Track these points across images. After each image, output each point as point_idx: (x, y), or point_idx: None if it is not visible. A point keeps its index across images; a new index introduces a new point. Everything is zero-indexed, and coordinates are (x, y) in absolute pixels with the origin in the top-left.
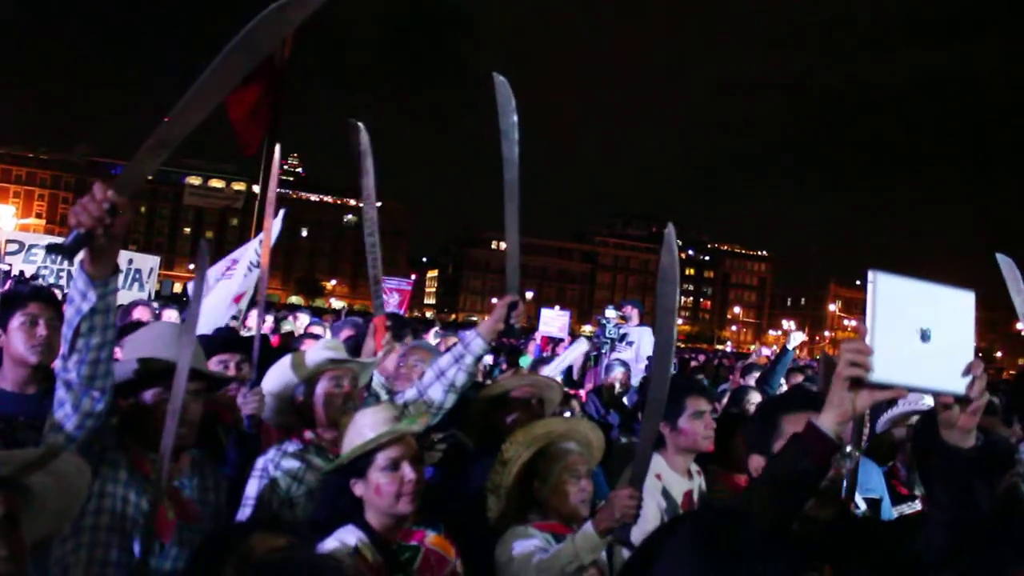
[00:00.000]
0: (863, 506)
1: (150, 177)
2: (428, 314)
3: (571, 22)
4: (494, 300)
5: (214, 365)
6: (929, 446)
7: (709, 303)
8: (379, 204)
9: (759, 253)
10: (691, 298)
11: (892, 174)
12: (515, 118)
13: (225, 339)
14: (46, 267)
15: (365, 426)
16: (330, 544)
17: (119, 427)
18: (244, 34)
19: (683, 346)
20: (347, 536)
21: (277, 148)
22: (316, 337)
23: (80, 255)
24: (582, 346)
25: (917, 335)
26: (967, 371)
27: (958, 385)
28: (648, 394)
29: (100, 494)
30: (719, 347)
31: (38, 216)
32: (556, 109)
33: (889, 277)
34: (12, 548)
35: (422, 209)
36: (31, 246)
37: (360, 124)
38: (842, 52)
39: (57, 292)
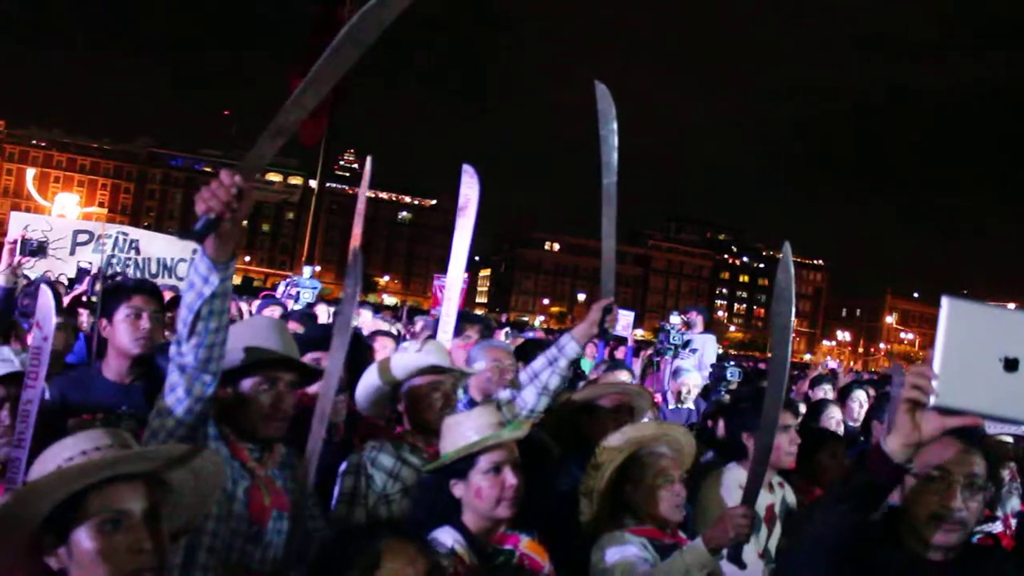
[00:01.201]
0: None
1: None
2: (479, 312)
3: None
4: (545, 301)
5: (307, 361)
6: None
7: (763, 311)
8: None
9: (814, 262)
10: (744, 305)
11: (957, 185)
12: (615, 125)
13: (319, 337)
14: (115, 256)
15: (469, 428)
16: None
17: (217, 415)
18: (350, 27)
19: (734, 353)
20: (444, 536)
21: (368, 163)
22: (387, 335)
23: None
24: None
25: (999, 363)
26: None
27: None
28: (764, 410)
29: None
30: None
31: (100, 205)
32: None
33: (962, 303)
34: (155, 540)
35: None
36: (99, 236)
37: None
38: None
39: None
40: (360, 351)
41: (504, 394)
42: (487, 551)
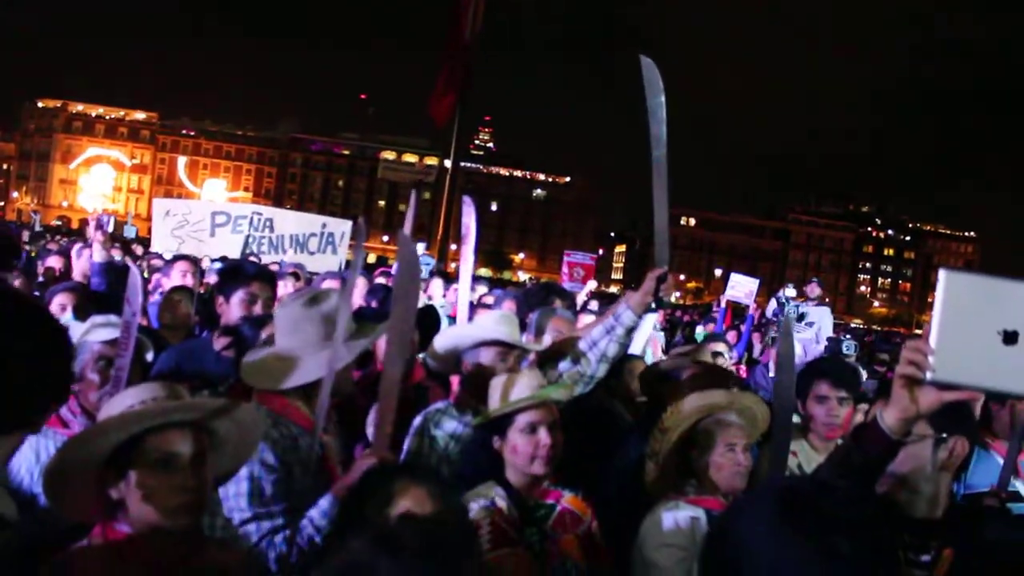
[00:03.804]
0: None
1: (346, 152)
2: (614, 289)
3: None
4: (681, 276)
5: None
6: None
7: (908, 285)
8: (568, 179)
9: (966, 234)
10: (889, 280)
11: None
12: (662, 98)
13: (378, 312)
14: (252, 237)
15: (512, 389)
16: (470, 497)
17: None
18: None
19: (878, 329)
20: (486, 490)
21: (360, 224)
22: (488, 307)
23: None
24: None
25: (998, 336)
26: None
27: None
28: (777, 377)
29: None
30: (917, 331)
31: (245, 190)
32: (756, 80)
33: (960, 275)
34: (198, 481)
35: (613, 184)
36: (238, 217)
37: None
38: None
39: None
40: (430, 320)
41: (564, 363)
42: (528, 504)
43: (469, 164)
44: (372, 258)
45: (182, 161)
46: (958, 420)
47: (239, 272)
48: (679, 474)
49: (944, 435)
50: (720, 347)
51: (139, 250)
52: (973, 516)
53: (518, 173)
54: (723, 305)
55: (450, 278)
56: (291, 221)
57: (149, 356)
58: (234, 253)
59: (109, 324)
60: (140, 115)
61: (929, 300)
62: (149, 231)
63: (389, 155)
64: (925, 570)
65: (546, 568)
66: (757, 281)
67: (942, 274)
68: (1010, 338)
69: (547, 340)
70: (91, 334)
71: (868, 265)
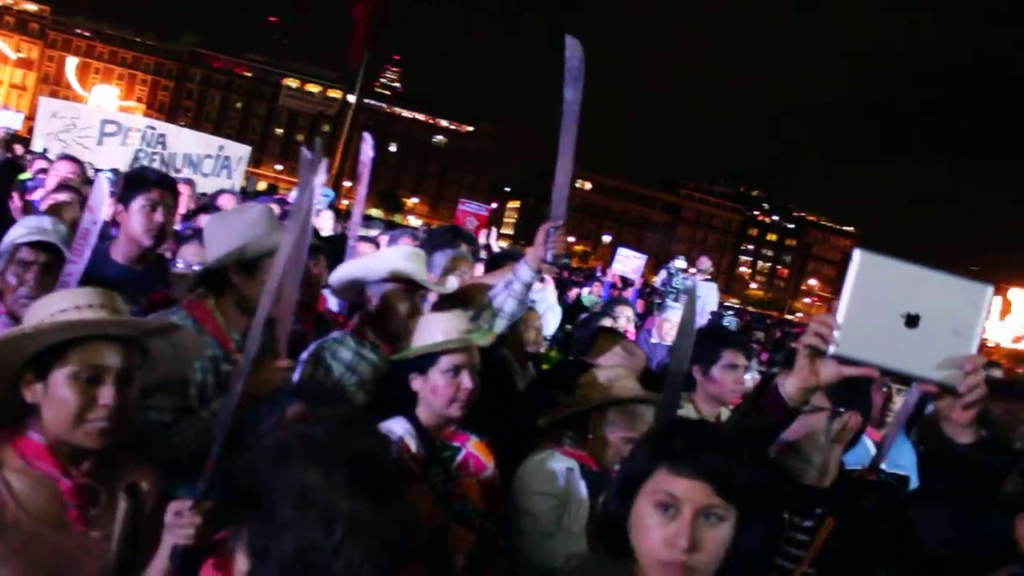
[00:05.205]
0: None
1: (248, 74)
2: (503, 243)
3: None
4: (570, 239)
5: None
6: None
7: (787, 271)
8: (471, 129)
9: (846, 228)
10: (769, 264)
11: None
12: (581, 76)
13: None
14: (143, 152)
15: (437, 329)
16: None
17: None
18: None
19: (753, 310)
20: (395, 426)
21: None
22: (369, 240)
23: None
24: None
25: (901, 319)
26: (959, 365)
27: (946, 376)
28: (679, 338)
29: None
30: (788, 316)
31: (139, 100)
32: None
33: (874, 257)
34: (122, 400)
35: (516, 140)
36: (130, 129)
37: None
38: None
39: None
40: (337, 251)
41: (470, 313)
42: (435, 445)
43: (373, 102)
44: (263, 185)
45: (72, 62)
46: (855, 396)
47: (141, 178)
48: (566, 423)
49: (840, 409)
50: (627, 311)
51: (19, 150)
52: (856, 487)
53: (421, 117)
54: (610, 279)
55: (341, 214)
56: (186, 140)
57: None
58: (121, 166)
59: (38, 229)
60: (31, 6)
61: (803, 287)
62: (30, 131)
63: (292, 83)
64: (807, 535)
65: (447, 509)
66: (644, 258)
67: (857, 253)
68: (912, 321)
69: (451, 282)
70: (15, 236)
71: (751, 248)
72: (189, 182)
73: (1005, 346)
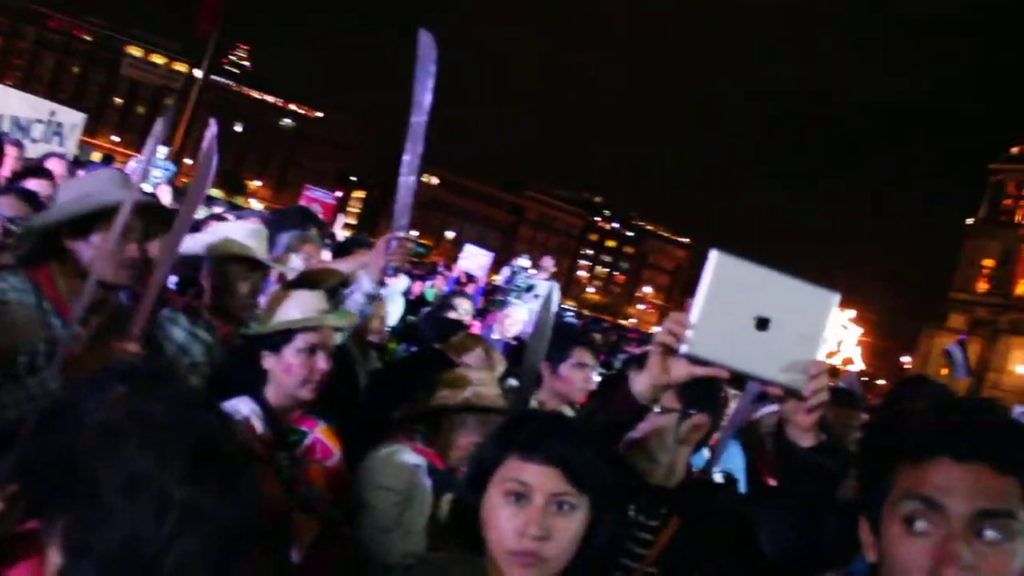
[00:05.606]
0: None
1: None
2: (346, 233)
3: None
4: (414, 232)
5: None
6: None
7: (623, 278)
8: (320, 115)
9: (682, 240)
10: (607, 269)
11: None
12: (433, 69)
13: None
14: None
15: (294, 307)
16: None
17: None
18: None
19: (588, 314)
20: (241, 405)
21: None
22: (217, 219)
23: None
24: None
25: (752, 321)
26: (805, 370)
27: (792, 380)
28: (533, 335)
29: None
30: (621, 322)
31: None
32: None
33: (729, 259)
34: None
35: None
36: None
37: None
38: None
39: None
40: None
41: None
42: (282, 427)
43: (220, 79)
44: (98, 156)
45: None
46: (706, 398)
47: None
48: (420, 417)
49: (690, 411)
50: (465, 304)
51: None
52: (701, 488)
53: (270, 98)
54: (455, 275)
55: (179, 191)
56: (14, 101)
57: None
58: None
59: None
60: None
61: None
62: None
63: (135, 51)
64: (651, 534)
65: (292, 495)
66: (491, 255)
67: (713, 254)
68: (762, 324)
69: (294, 260)
70: None
71: (591, 253)
72: (18, 144)
73: None
